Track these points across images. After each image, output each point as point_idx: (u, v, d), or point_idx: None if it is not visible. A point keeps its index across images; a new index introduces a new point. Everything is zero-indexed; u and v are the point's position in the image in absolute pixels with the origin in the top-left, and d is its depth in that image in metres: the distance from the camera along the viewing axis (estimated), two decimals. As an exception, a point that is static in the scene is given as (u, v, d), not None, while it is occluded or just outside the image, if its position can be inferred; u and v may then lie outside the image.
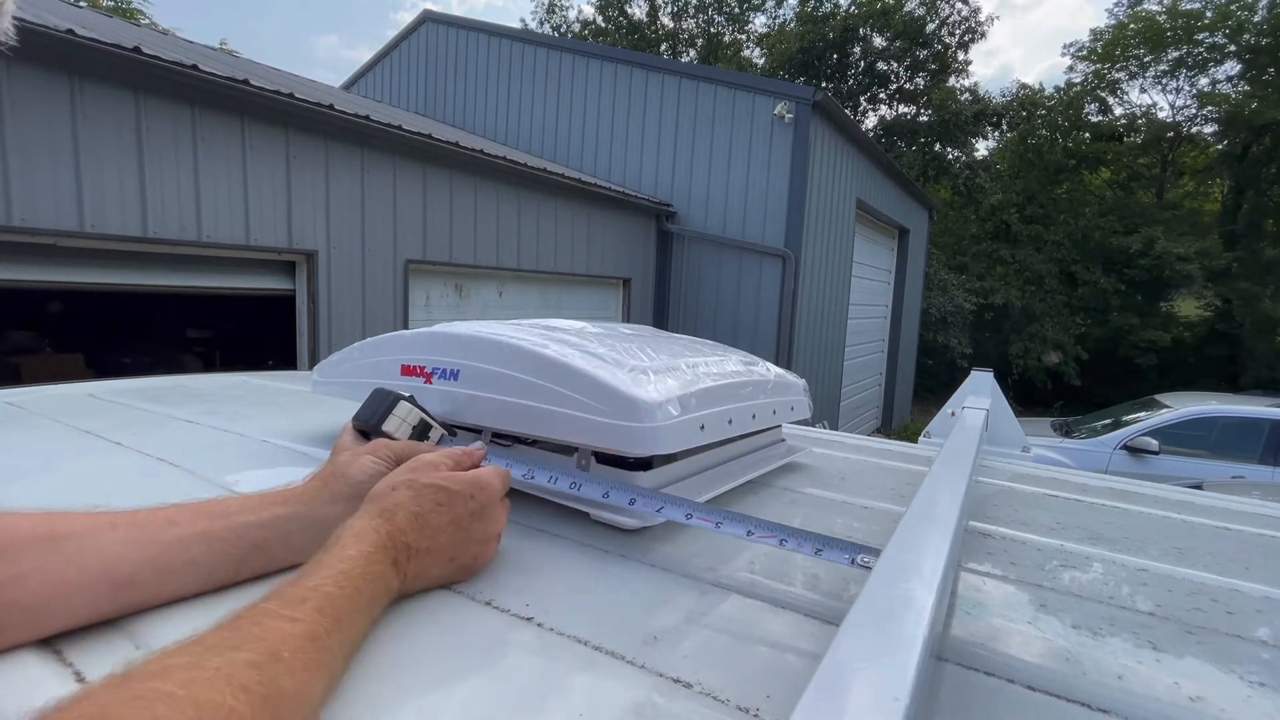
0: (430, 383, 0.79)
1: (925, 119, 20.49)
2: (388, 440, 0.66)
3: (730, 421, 0.79)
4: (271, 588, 0.41)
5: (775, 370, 0.99)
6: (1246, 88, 17.53)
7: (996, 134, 21.38)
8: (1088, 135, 19.99)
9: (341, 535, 0.47)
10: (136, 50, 3.23)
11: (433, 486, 0.54)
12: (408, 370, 0.81)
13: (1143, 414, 6.77)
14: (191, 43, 6.93)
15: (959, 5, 20.14)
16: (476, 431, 0.81)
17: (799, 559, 0.65)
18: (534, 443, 0.78)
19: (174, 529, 0.49)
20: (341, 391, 0.92)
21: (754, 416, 0.85)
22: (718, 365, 0.86)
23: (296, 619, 0.37)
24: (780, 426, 1.04)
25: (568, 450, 0.75)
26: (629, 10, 23.18)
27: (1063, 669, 0.46)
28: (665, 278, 8.10)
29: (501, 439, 0.80)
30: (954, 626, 0.52)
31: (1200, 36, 17.94)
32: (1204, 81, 18.85)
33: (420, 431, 0.68)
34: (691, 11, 23.25)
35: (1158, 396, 7.54)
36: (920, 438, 1.34)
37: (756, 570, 0.61)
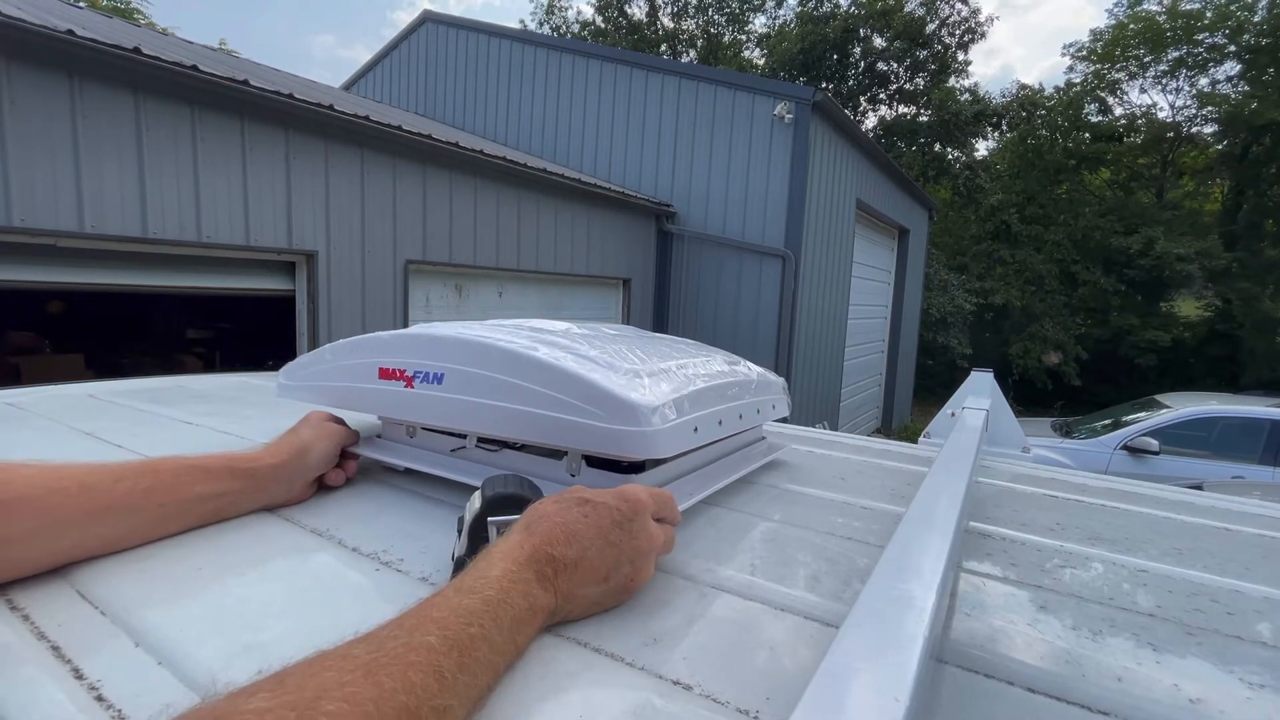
0: (412, 386, 0.76)
1: (925, 119, 20.50)
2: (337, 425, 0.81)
3: (720, 422, 0.78)
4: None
5: (756, 369, 0.99)
6: (1246, 88, 17.51)
7: (996, 134, 21.39)
8: (1088, 135, 19.98)
9: (491, 550, 0.47)
10: (136, 51, 3.23)
11: (577, 498, 0.53)
12: (386, 374, 0.78)
13: (1143, 414, 6.77)
14: (191, 43, 6.93)
15: (959, 6, 20.18)
16: (461, 436, 0.80)
17: (799, 560, 0.65)
18: (522, 447, 0.77)
19: (125, 495, 0.59)
20: (309, 396, 0.88)
21: (740, 416, 0.85)
22: (704, 366, 0.85)
23: (412, 664, 0.35)
24: (762, 425, 1.03)
25: (556, 454, 0.74)
26: (628, 11, 23.19)
27: (1063, 671, 0.46)
28: (665, 278, 8.10)
29: (488, 444, 0.79)
30: (954, 628, 0.52)
31: (1200, 37, 17.92)
32: (1204, 82, 18.84)
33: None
34: (691, 12, 23.26)
35: (1158, 397, 7.54)
36: (920, 438, 1.34)
37: (756, 572, 0.61)
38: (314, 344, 4.38)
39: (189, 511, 0.63)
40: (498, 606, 0.42)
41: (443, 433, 0.82)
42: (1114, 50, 19.32)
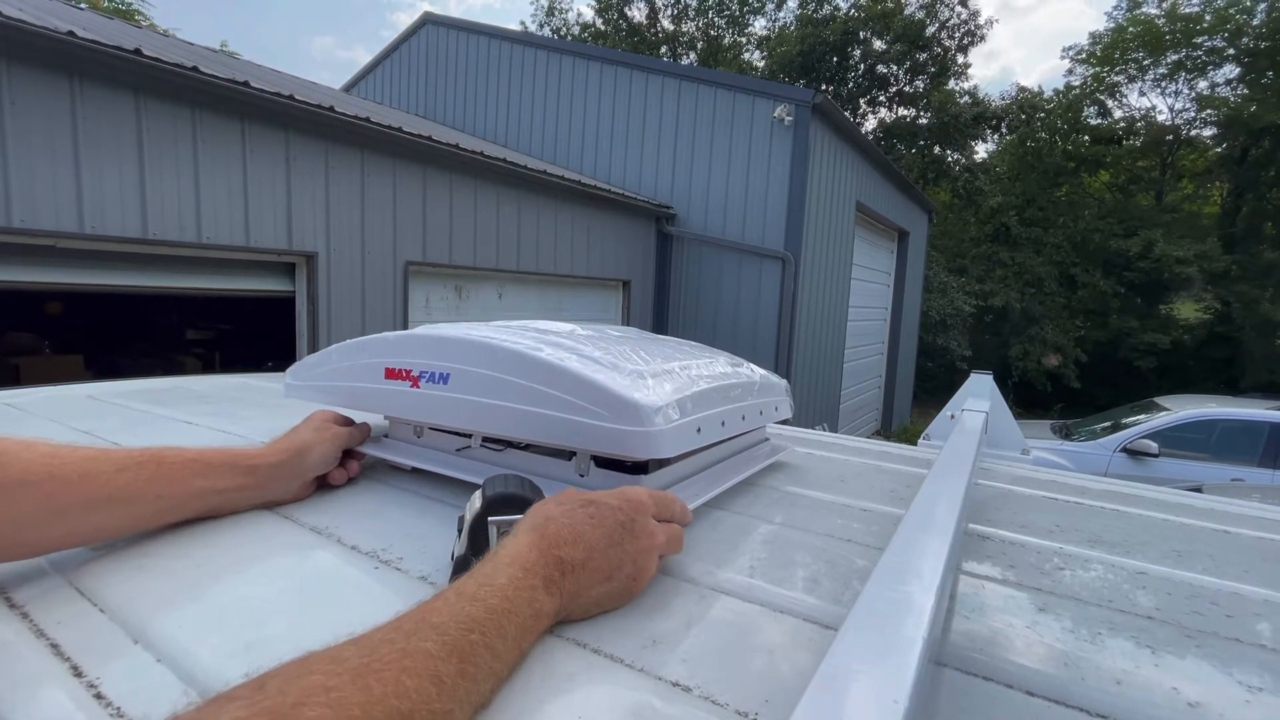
0: (417, 386, 0.77)
1: (925, 122, 20.52)
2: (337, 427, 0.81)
3: (723, 423, 0.78)
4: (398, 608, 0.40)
5: (760, 371, 1.00)
6: (1245, 91, 17.55)
7: (996, 137, 21.43)
8: (1087, 138, 20.01)
9: (498, 554, 0.47)
10: (137, 52, 3.24)
11: (580, 500, 0.53)
12: (392, 374, 0.79)
13: (1142, 416, 6.77)
14: (192, 44, 6.94)
15: (958, 8, 20.19)
16: (466, 436, 0.81)
17: (798, 563, 0.65)
18: (527, 447, 0.77)
19: (129, 486, 0.58)
20: (315, 395, 0.89)
21: (743, 418, 0.85)
22: (708, 367, 0.86)
23: (407, 669, 0.34)
24: (765, 426, 1.04)
25: (564, 454, 0.75)
26: (629, 13, 23.21)
27: (1061, 674, 0.46)
28: (665, 280, 8.10)
29: (493, 443, 0.79)
30: (953, 630, 0.52)
31: (1199, 40, 17.96)
32: (1203, 85, 18.89)
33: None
34: (691, 14, 23.28)
35: (1157, 399, 7.54)
36: (920, 440, 1.34)
37: (756, 574, 0.61)
38: (314, 345, 4.38)
39: (188, 504, 0.63)
40: (502, 615, 0.41)
41: (449, 432, 0.83)
42: (1113, 53, 19.36)
